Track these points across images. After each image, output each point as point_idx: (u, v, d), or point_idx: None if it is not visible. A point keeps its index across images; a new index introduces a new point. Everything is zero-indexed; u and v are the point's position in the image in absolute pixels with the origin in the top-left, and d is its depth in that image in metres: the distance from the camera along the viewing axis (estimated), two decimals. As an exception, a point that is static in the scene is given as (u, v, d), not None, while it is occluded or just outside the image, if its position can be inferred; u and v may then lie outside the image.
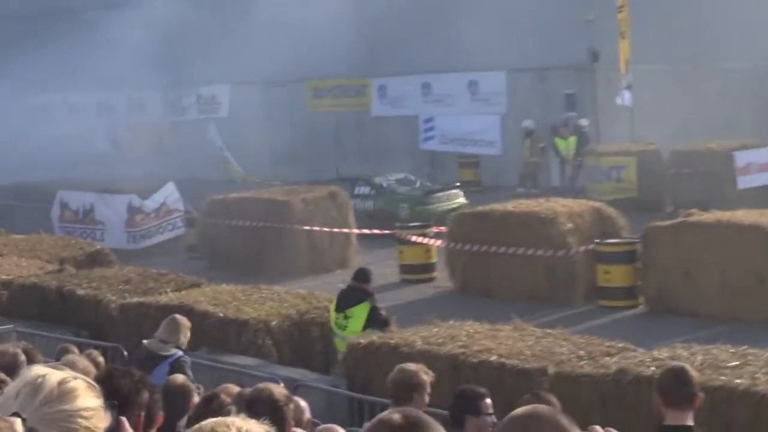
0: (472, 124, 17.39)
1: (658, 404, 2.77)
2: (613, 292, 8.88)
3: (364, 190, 13.57)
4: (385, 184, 13.79)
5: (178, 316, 5.01)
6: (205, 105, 20.38)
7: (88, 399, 0.91)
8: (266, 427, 0.90)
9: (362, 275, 6.62)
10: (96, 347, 5.63)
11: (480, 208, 10.39)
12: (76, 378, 0.94)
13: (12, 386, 0.94)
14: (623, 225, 9.61)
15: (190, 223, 12.59)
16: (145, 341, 4.96)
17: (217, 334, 6.61)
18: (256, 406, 2.30)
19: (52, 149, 17.99)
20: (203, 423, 0.88)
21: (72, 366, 2.59)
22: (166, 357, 4.64)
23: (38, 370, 0.94)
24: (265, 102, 19.23)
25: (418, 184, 14.17)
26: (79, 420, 0.87)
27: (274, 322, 6.64)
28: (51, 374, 0.91)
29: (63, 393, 0.88)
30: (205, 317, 6.62)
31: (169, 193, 12.71)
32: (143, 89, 20.23)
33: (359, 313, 6.22)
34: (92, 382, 0.98)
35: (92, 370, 3.07)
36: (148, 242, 12.55)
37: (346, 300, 6.30)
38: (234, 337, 6.62)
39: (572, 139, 15.09)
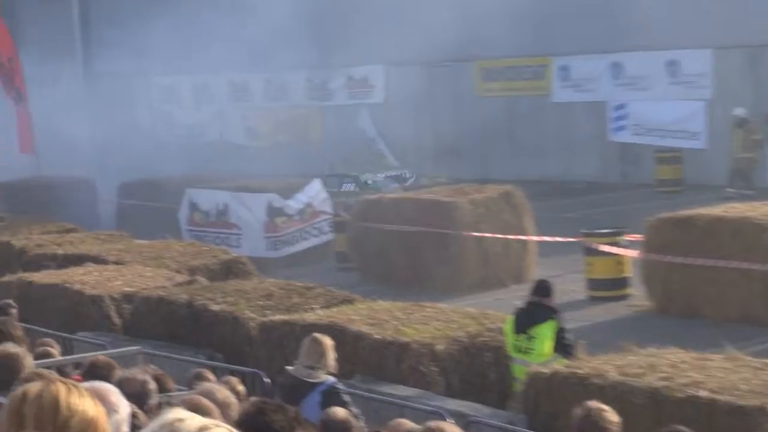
0: (672, 111, 15.07)
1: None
2: None
3: (349, 187, 13.12)
4: (370, 182, 13.32)
5: (319, 335, 4.68)
6: (356, 88, 18.44)
7: None
8: None
9: (544, 289, 6.08)
10: (233, 373, 5.23)
11: (683, 212, 9.40)
12: (218, 426, 0.97)
13: (149, 429, 1.02)
14: None
15: (339, 228, 11.49)
16: (289, 367, 4.68)
17: (372, 360, 6.17)
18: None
19: (179, 138, 17.50)
20: None
21: (210, 396, 2.73)
22: (316, 385, 4.33)
23: (178, 413, 0.99)
24: (425, 85, 17.26)
25: (410, 181, 13.56)
26: None
27: (439, 346, 6.09)
28: (190, 420, 0.95)
29: None
30: (358, 339, 6.18)
31: (316, 192, 11.83)
32: (284, 70, 18.48)
33: (545, 333, 5.68)
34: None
35: (233, 401, 2.92)
36: (290, 249, 11.62)
37: (528, 318, 5.77)
38: (393, 363, 6.14)
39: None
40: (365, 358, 6.05)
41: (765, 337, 7.58)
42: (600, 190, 14.47)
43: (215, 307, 7.00)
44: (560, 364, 5.39)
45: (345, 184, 13.08)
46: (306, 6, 15.79)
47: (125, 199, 14.21)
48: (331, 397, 4.15)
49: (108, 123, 15.84)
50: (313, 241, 11.80)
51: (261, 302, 7.05)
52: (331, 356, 4.48)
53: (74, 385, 1.03)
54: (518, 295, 7.15)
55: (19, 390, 1.02)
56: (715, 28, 13.57)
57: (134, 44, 17.40)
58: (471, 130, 15.99)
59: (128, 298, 7.62)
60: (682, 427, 3.17)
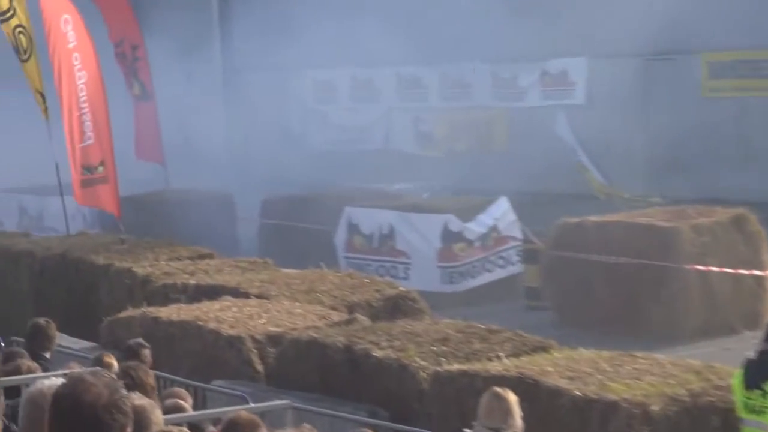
0: None
1: None
2: None
3: None
4: None
5: (501, 390, 4.49)
6: (552, 86, 16.50)
7: None
8: None
9: (782, 336, 5.83)
10: None
11: None
12: None
13: None
14: None
15: (530, 258, 10.83)
16: (467, 430, 4.43)
17: (572, 420, 5.92)
18: None
19: (335, 145, 16.26)
20: None
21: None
22: None
23: None
24: (638, 83, 15.26)
25: None
26: None
27: (654, 407, 5.75)
28: None
29: None
30: (555, 396, 5.92)
31: (502, 214, 11.11)
32: (463, 62, 16.80)
33: (783, 389, 5.51)
34: None
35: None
36: (470, 283, 10.89)
37: (762, 371, 5.24)
38: (596, 425, 5.91)
39: None
40: (563, 418, 5.84)
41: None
42: None
43: (379, 353, 6.71)
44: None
45: None
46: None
47: (269, 219, 13.28)
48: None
49: (249, 126, 15.24)
50: (498, 274, 11.00)
51: (434, 348, 6.70)
52: (518, 416, 4.26)
53: None
54: (751, 344, 6.22)
55: None
56: None
57: (280, 32, 16.34)
58: (694, 138, 14.00)
59: (273, 340, 7.22)
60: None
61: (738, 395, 5.48)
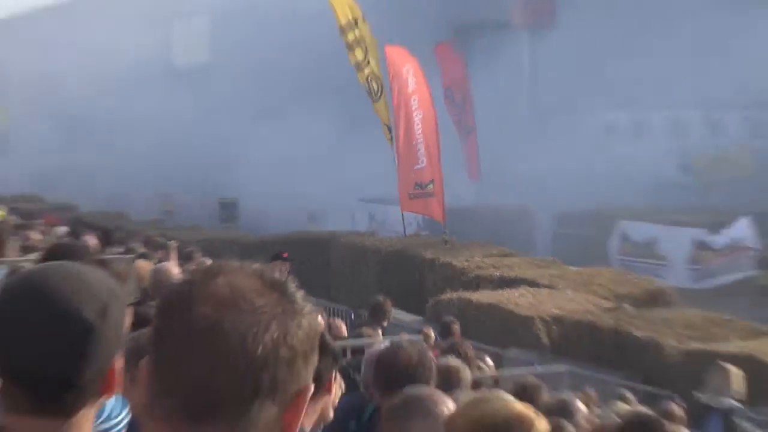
0: None
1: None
2: None
3: None
4: None
5: (724, 363, 5.17)
6: None
7: None
8: None
9: None
10: (654, 396, 6.02)
11: None
12: None
13: None
14: None
15: (764, 264, 12.31)
16: (697, 393, 5.13)
17: None
18: None
19: (613, 174, 17.19)
20: None
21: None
22: (717, 409, 4.77)
23: None
24: None
25: None
26: None
27: None
28: None
29: None
30: None
31: (743, 229, 12.60)
32: (721, 107, 17.74)
33: None
34: None
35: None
36: (714, 282, 12.32)
37: None
38: None
39: None
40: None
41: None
42: None
43: (638, 333, 7.67)
44: None
45: None
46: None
47: (563, 229, 15.99)
48: (730, 420, 4.60)
49: (555, 155, 17.19)
50: (736, 276, 12.31)
51: (682, 331, 7.56)
52: (737, 383, 4.85)
53: None
54: None
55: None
56: None
57: (583, 78, 18.29)
58: None
59: (557, 320, 8.36)
60: None
61: None
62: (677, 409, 4.51)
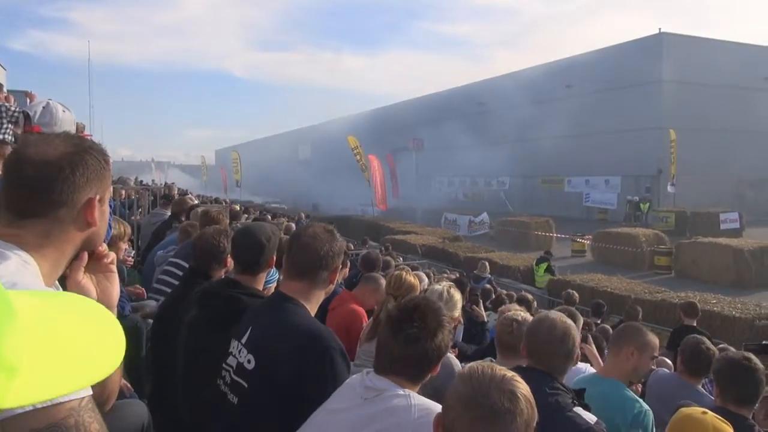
0: None
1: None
2: None
3: None
4: None
5: None
6: None
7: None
8: None
9: None
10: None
11: None
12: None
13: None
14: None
15: None
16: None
17: None
18: None
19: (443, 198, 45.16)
20: None
21: None
22: None
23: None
24: None
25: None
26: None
27: None
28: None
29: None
30: None
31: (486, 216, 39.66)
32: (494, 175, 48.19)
33: None
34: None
35: None
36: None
37: None
38: None
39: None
40: None
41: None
42: None
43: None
44: None
45: None
46: None
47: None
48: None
49: (425, 194, 47.65)
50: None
51: None
52: None
53: None
54: None
55: None
56: None
57: (437, 163, 50.63)
58: None
59: None
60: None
61: None
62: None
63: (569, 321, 2.51)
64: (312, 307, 2.24)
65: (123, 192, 9.66)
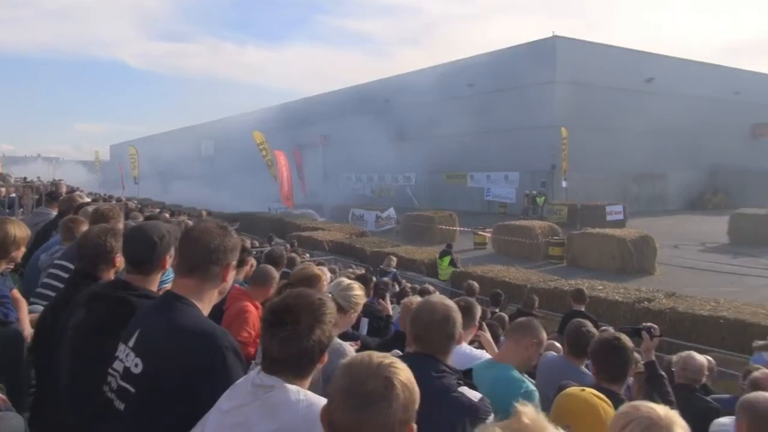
0: None
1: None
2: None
3: None
4: None
5: None
6: None
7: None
8: None
9: None
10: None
11: None
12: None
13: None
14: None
15: None
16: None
17: None
18: None
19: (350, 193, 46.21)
20: None
21: None
22: None
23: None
24: None
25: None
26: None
27: None
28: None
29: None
30: None
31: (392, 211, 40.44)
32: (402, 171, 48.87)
33: None
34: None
35: None
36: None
37: None
38: None
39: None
40: None
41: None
42: None
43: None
44: None
45: None
46: None
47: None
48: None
49: (332, 187, 47.79)
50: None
51: None
52: None
53: None
54: None
55: None
56: None
57: (343, 158, 50.64)
58: None
59: None
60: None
61: None
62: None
63: (450, 304, 2.62)
64: (204, 306, 2.19)
65: (2, 190, 8.91)
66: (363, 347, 4.50)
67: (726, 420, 3.38)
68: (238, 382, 1.92)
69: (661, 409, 1.68)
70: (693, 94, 40.21)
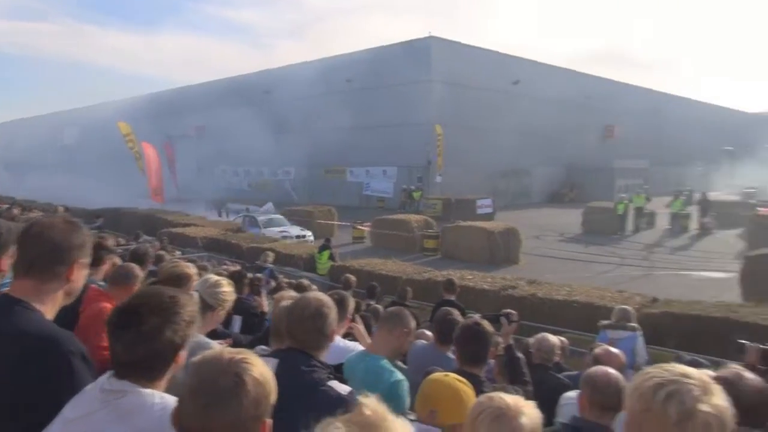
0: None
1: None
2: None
3: None
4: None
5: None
6: None
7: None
8: None
9: None
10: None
11: None
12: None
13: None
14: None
15: None
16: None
17: None
18: None
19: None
20: None
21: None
22: None
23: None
24: None
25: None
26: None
27: None
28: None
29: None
30: None
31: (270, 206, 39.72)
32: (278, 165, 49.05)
33: None
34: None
35: None
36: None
37: None
38: None
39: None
40: None
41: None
42: None
43: None
44: None
45: None
46: None
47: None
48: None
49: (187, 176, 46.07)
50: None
51: None
52: None
53: None
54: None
55: None
56: None
57: (215, 150, 48.98)
58: None
59: None
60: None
61: None
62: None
63: (325, 299, 2.65)
64: (47, 310, 2.03)
65: None
66: (235, 345, 4.39)
67: (572, 394, 3.71)
68: (86, 388, 1.80)
69: (511, 399, 1.85)
70: (553, 97, 43.45)
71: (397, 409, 3.10)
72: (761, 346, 4.03)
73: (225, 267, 9.92)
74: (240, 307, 6.26)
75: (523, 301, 11.34)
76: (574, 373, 5.15)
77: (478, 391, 2.72)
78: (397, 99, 39.16)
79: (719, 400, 1.37)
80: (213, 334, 3.67)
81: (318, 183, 43.58)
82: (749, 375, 2.51)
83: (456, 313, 4.59)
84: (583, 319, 9.80)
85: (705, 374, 1.47)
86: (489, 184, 39.58)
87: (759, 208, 24.97)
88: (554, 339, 5.05)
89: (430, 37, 39.43)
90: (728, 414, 1.35)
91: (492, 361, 4.79)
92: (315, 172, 43.92)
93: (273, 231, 23.73)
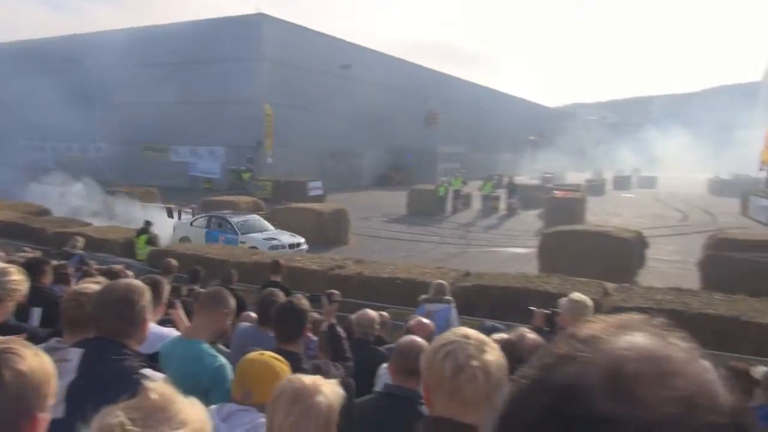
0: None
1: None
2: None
3: None
4: None
5: None
6: None
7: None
8: None
9: None
10: None
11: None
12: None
13: None
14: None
15: None
16: None
17: None
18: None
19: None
20: None
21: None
22: None
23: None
24: None
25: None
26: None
27: None
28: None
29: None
30: None
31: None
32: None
33: None
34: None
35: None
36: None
37: None
38: None
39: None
40: None
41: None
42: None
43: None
44: None
45: None
46: None
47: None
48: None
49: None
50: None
51: None
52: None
53: None
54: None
55: None
56: None
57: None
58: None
59: None
60: None
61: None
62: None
63: (134, 284, 2.52)
64: None
65: None
66: (31, 339, 3.97)
67: (386, 364, 3.94)
68: None
69: (309, 380, 1.93)
70: (383, 83, 44.94)
71: (224, 393, 3.05)
72: (545, 311, 4.64)
73: (22, 254, 8.83)
74: (40, 297, 5.64)
75: (350, 279, 11.68)
76: (394, 345, 5.46)
77: (296, 368, 2.78)
78: (224, 76, 37.69)
79: (491, 356, 1.56)
80: (5, 328, 3.28)
81: (136, 161, 40.49)
82: (531, 335, 2.88)
83: (279, 294, 4.61)
84: (406, 294, 10.37)
85: (482, 336, 1.66)
86: (320, 166, 39.94)
87: (555, 192, 28.38)
88: (373, 313, 5.30)
89: (260, 14, 38.44)
90: (496, 368, 1.55)
91: (315, 338, 4.91)
92: (132, 149, 40.75)
93: (255, 238, 17.76)
